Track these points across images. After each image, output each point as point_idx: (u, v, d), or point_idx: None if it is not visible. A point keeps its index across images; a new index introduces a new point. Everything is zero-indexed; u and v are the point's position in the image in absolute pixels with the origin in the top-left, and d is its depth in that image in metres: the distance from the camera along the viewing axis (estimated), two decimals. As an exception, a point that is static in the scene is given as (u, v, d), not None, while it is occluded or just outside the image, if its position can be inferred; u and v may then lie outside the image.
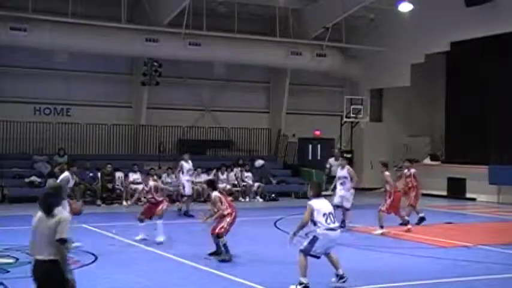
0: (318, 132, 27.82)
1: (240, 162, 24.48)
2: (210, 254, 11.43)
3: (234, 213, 11.48)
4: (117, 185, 21.75)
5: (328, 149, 27.63)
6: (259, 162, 24.63)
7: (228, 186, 22.99)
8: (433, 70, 27.30)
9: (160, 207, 13.27)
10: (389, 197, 14.53)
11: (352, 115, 26.45)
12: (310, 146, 27.72)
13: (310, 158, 27.49)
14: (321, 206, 9.29)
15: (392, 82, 26.61)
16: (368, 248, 12.92)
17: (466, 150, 25.68)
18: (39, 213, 6.07)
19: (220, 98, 26.81)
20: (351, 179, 15.25)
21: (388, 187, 14.67)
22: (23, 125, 22.84)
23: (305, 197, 25.00)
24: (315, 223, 9.12)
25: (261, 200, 23.41)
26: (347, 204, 15.17)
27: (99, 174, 21.43)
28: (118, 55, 23.77)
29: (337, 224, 9.37)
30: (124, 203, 20.80)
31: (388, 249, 12.53)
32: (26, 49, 22.31)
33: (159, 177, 22.16)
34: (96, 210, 18.90)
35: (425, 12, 23.22)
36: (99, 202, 20.88)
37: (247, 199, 23.04)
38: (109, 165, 21.65)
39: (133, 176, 21.75)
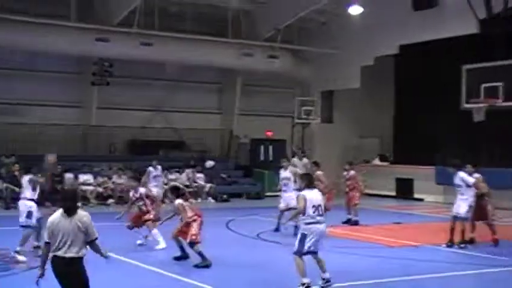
0: (269, 133, 27.99)
1: (192, 163, 24.42)
2: (176, 258, 11.32)
3: (198, 217, 11.29)
4: (67, 186, 21.38)
5: (280, 150, 27.85)
6: (209, 163, 24.62)
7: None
8: (382, 72, 27.80)
9: (147, 217, 12.79)
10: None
11: (303, 116, 26.70)
12: (262, 147, 27.89)
13: (262, 158, 27.66)
14: (311, 196, 9.25)
15: (343, 84, 26.98)
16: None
17: (413, 151, 26.23)
18: (59, 214, 6.46)
19: (172, 99, 26.65)
20: (295, 181, 14.94)
21: (321, 186, 14.69)
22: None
23: (257, 197, 25.39)
24: (303, 213, 9.14)
25: (212, 200, 23.42)
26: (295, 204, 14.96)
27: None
28: (68, 54, 23.30)
29: (324, 217, 9.35)
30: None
31: (338, 249, 12.70)
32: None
33: (110, 178, 22.01)
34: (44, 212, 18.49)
35: (375, 15, 23.62)
36: (47, 204, 20.46)
37: (199, 200, 23.00)
38: (58, 166, 21.29)
39: (84, 177, 21.48)
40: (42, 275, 6.51)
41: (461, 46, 21.99)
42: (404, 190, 25.55)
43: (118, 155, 24.51)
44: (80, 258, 6.43)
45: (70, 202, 6.55)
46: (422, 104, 26.05)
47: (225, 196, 23.79)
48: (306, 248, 9.10)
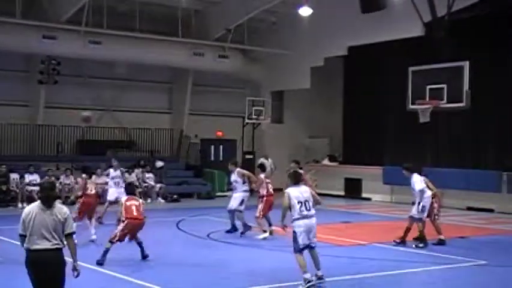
0: (220, 133, 28.00)
1: (142, 163, 24.21)
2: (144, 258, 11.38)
3: (128, 221, 11.24)
4: (12, 187, 20.94)
5: (230, 150, 27.92)
6: (159, 164, 24.44)
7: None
8: (332, 73, 28.16)
9: None
10: (262, 202, 14.53)
11: (253, 116, 26.81)
12: (213, 147, 27.89)
13: (212, 158, 27.66)
14: (296, 193, 9.57)
15: (293, 84, 27.23)
16: (263, 247, 13.18)
17: (362, 151, 26.69)
18: (35, 206, 6.48)
19: (121, 98, 26.37)
20: (244, 182, 14.95)
21: (261, 190, 14.68)
22: None
23: (207, 197, 25.38)
24: (290, 209, 9.49)
25: (162, 201, 23.28)
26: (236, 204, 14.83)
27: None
28: (13, 51, 22.73)
29: (313, 211, 9.58)
30: (19, 204, 20.11)
31: (286, 248, 12.81)
32: None
33: (57, 178, 21.60)
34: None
35: (325, 17, 23.91)
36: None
37: (149, 200, 22.82)
38: (3, 166, 20.82)
39: (30, 177, 21.05)
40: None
41: (408, 48, 22.50)
42: (353, 190, 25.95)
43: (66, 155, 24.09)
44: (61, 249, 6.46)
45: (49, 192, 6.60)
46: (370, 104, 26.51)
47: (175, 196, 23.68)
48: (301, 244, 9.39)
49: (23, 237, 6.46)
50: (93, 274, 10.25)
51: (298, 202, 9.47)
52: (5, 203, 20.45)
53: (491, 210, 21.15)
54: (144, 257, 11.43)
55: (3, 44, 21.68)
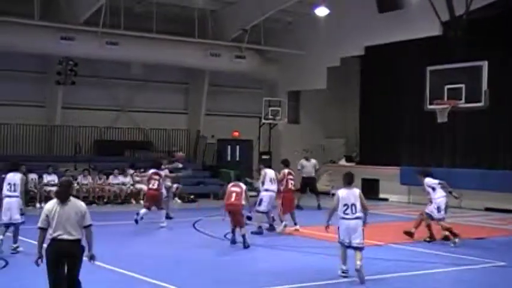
0: (236, 134, 28.02)
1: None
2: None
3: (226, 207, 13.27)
4: (31, 187, 21.08)
5: (246, 150, 27.93)
6: (179, 165, 24.39)
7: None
8: (349, 73, 28.07)
9: None
10: (280, 198, 15.34)
11: (270, 117, 26.79)
12: (229, 147, 27.91)
13: (229, 159, 27.68)
14: (344, 195, 10.16)
15: (309, 85, 27.17)
16: (281, 247, 13.16)
17: (379, 151, 26.54)
18: (54, 202, 7.31)
19: (138, 99, 26.49)
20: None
21: (281, 186, 15.33)
22: None
23: (224, 198, 25.28)
24: (336, 209, 10.16)
25: (179, 201, 23.31)
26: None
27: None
28: (32, 53, 22.89)
29: (358, 215, 10.12)
30: (37, 205, 20.26)
31: (303, 249, 12.81)
32: None
33: (75, 178, 21.71)
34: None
35: (341, 17, 23.85)
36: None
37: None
38: (23, 166, 20.94)
39: (48, 178, 21.18)
40: (41, 257, 7.22)
41: (426, 48, 22.35)
42: (370, 190, 25.76)
43: (83, 156, 24.24)
44: (79, 240, 7.23)
45: (64, 188, 7.44)
46: (387, 105, 26.37)
47: (192, 196, 23.71)
48: (340, 240, 10.15)
49: (42, 229, 7.27)
50: (109, 273, 10.30)
51: (344, 205, 10.05)
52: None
53: (509, 211, 20.93)
54: (246, 246, 12.70)
55: (22, 46, 21.88)
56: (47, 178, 21.14)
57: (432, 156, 24.63)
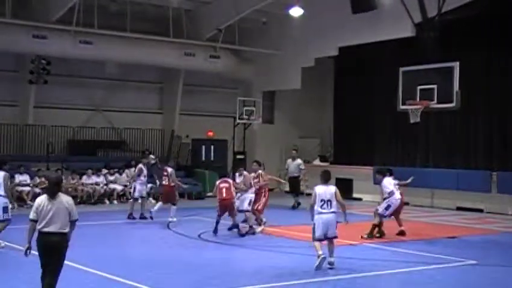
0: (211, 133, 27.99)
1: (133, 163, 24.08)
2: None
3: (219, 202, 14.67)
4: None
5: (221, 150, 27.90)
6: (151, 157, 24.24)
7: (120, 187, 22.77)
8: (323, 73, 28.21)
9: None
10: (264, 196, 15.60)
11: (245, 116, 26.79)
12: (204, 147, 27.86)
13: (203, 159, 27.62)
14: (321, 192, 10.89)
15: (284, 85, 27.26)
16: (257, 247, 13.19)
17: (353, 151, 26.75)
18: (44, 197, 7.79)
19: (112, 98, 26.31)
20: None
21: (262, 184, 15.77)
22: None
23: (198, 198, 25.31)
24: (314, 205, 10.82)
25: (154, 201, 23.17)
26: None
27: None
28: (3, 51, 22.56)
29: (333, 210, 10.84)
30: (9, 205, 19.98)
31: (276, 249, 12.84)
32: None
33: (47, 178, 21.47)
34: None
35: (315, 17, 23.97)
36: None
37: (139, 200, 22.68)
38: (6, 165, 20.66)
39: (20, 178, 20.93)
40: (29, 248, 7.80)
41: (398, 48, 22.58)
42: (344, 190, 25.83)
43: (56, 155, 23.98)
44: (66, 233, 7.75)
45: (53, 185, 7.92)
46: (361, 105, 26.60)
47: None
48: (316, 236, 10.78)
49: (33, 221, 7.75)
50: (84, 275, 10.23)
51: (321, 200, 10.78)
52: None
53: (480, 210, 21.25)
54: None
55: (-7, 44, 21.55)
56: (18, 178, 20.88)
57: (405, 156, 24.93)
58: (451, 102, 16.78)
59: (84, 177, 22.25)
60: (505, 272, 11.39)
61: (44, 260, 7.74)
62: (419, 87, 17.45)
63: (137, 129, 26.25)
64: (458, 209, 21.79)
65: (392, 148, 25.81)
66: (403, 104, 17.87)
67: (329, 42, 24.43)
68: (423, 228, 15.72)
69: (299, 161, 22.79)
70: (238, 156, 27.38)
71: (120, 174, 23.37)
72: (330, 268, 10.78)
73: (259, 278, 10.22)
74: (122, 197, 22.60)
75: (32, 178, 21.43)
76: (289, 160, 22.79)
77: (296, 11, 23.47)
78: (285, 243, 13.61)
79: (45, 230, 7.67)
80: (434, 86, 17.09)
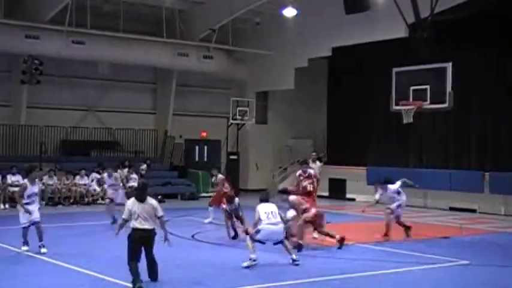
0: (204, 134, 27.97)
1: (126, 163, 24.02)
2: None
3: None
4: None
5: (214, 150, 27.90)
6: (143, 167, 24.21)
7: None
8: (316, 74, 28.24)
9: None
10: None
11: (238, 117, 26.79)
12: (197, 148, 27.84)
13: (197, 159, 27.61)
14: (264, 208, 11.45)
15: (277, 85, 27.30)
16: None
17: (346, 151, 26.77)
18: (133, 200, 9.45)
19: (105, 98, 26.26)
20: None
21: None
22: None
23: (192, 198, 25.26)
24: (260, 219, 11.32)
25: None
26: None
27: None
28: (-4, 51, 22.57)
29: (278, 219, 11.32)
30: (1, 206, 19.97)
31: (271, 249, 12.82)
32: None
33: (40, 179, 21.40)
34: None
35: (309, 18, 23.99)
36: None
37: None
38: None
39: (12, 178, 20.83)
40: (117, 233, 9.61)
41: (392, 49, 22.61)
42: (337, 190, 26.00)
43: (49, 156, 23.90)
44: (154, 229, 9.37)
45: (140, 191, 9.57)
46: (354, 105, 26.64)
47: (159, 197, 23.54)
48: (257, 237, 11.20)
49: (126, 221, 9.42)
50: (76, 275, 10.20)
51: (265, 213, 11.29)
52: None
53: (473, 211, 21.31)
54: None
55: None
56: (11, 179, 20.78)
57: (398, 157, 24.97)
58: (444, 102, 16.85)
59: (77, 177, 22.18)
60: (497, 272, 11.42)
61: (137, 250, 9.20)
62: (412, 88, 17.52)
63: (130, 130, 26.19)
64: (451, 209, 21.85)
65: (385, 148, 25.86)
66: (396, 104, 17.94)
67: (322, 43, 24.48)
68: (416, 228, 15.70)
69: (319, 163, 21.93)
70: (232, 157, 27.40)
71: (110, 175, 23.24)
72: (296, 265, 11.07)
73: (253, 277, 10.22)
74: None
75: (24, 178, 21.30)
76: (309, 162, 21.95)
77: (289, 12, 23.49)
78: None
79: (140, 227, 9.22)
80: (427, 87, 17.16)
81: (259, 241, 11.24)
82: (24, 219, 11.73)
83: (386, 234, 14.37)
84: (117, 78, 26.33)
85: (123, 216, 9.46)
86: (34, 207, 11.79)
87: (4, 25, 21.60)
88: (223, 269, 11.00)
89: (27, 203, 11.69)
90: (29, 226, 11.78)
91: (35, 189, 11.92)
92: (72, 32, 22.40)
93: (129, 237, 9.33)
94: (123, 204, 15.02)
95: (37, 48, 22.21)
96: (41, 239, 11.84)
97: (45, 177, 21.43)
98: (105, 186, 17.74)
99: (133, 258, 9.23)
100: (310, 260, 11.96)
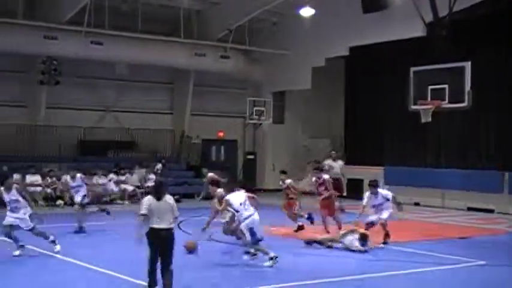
0: (221, 134, 28.01)
1: (144, 163, 24.18)
2: None
3: None
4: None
5: (231, 150, 27.94)
6: (158, 167, 24.35)
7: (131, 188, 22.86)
8: (333, 73, 28.13)
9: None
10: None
11: (255, 117, 26.78)
12: (214, 148, 27.89)
13: (213, 159, 27.66)
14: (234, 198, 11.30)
15: (294, 85, 27.22)
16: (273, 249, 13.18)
17: (363, 151, 26.64)
18: (150, 198, 8.79)
19: (122, 99, 26.39)
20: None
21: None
22: None
23: (209, 198, 25.17)
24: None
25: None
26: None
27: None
28: (15, 52, 22.62)
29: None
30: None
31: (290, 250, 12.82)
32: None
33: (58, 179, 21.55)
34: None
35: (326, 17, 23.92)
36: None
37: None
38: (4, 167, 20.80)
39: (31, 178, 21.02)
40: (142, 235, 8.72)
41: (409, 48, 22.46)
42: (355, 190, 25.83)
43: (67, 156, 24.08)
44: (172, 229, 8.78)
45: (157, 189, 8.94)
46: (372, 105, 26.50)
47: (176, 196, 23.56)
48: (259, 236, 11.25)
49: (144, 215, 8.72)
50: (93, 274, 10.28)
51: (240, 203, 11.22)
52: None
53: (491, 211, 21.13)
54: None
55: (5, 45, 21.60)
56: (30, 178, 20.96)
57: (415, 156, 24.81)
58: (463, 101, 16.71)
59: (95, 177, 22.30)
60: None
61: (156, 252, 8.66)
62: (430, 87, 17.39)
63: (147, 130, 26.29)
64: (469, 209, 21.68)
65: (403, 148, 25.69)
66: (414, 104, 17.82)
67: (340, 42, 24.37)
68: (434, 228, 15.64)
69: (340, 162, 21.69)
70: (249, 157, 27.43)
71: (131, 175, 23.44)
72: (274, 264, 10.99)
73: (273, 278, 10.25)
74: (133, 197, 22.65)
75: (43, 178, 21.52)
76: (329, 161, 21.26)
77: (307, 11, 23.44)
78: (297, 244, 13.59)
79: (157, 226, 8.65)
80: (446, 86, 17.03)
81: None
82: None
83: (387, 235, 13.84)
84: (134, 79, 26.44)
85: (142, 212, 8.77)
86: (14, 214, 11.69)
87: (23, 26, 21.78)
88: (245, 269, 11.00)
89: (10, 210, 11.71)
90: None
91: (12, 196, 11.75)
92: (90, 32, 22.52)
93: (147, 237, 8.91)
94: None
95: (55, 49, 22.36)
96: (45, 238, 11.91)
97: (64, 177, 21.56)
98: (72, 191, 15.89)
99: (151, 259, 8.82)
100: (329, 259, 11.95)
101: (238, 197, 11.31)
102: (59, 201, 21.19)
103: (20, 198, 11.77)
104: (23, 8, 21.92)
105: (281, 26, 26.58)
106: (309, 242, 13.33)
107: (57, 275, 10.41)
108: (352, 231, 13.03)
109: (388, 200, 13.86)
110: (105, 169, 22.79)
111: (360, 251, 12.45)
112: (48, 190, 21.42)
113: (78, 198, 15.32)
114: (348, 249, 12.65)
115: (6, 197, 11.75)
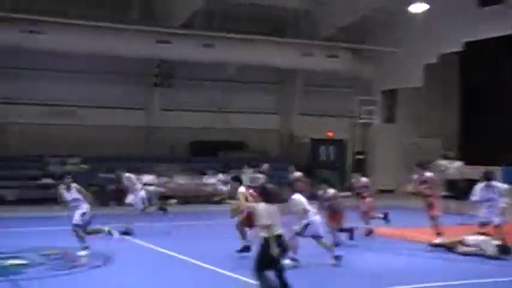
0: (330, 133, 27.77)
1: (253, 163, 24.39)
2: None
3: None
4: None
5: (340, 150, 27.63)
6: (265, 166, 24.45)
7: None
8: (446, 70, 27.14)
9: None
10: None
11: (364, 116, 26.32)
12: (323, 147, 27.70)
13: (323, 159, 27.46)
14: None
15: (404, 83, 26.50)
16: (375, 250, 12.89)
17: (479, 151, 25.50)
18: (264, 204, 8.33)
19: (231, 99, 26.79)
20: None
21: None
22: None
23: (314, 198, 24.94)
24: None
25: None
26: None
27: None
28: (130, 57, 23.57)
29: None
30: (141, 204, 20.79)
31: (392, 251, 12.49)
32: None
33: (171, 178, 22.18)
34: (109, 211, 18.81)
35: (438, 12, 23.09)
36: (111, 203, 20.92)
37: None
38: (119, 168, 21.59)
39: (146, 178, 21.69)
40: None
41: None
42: (469, 192, 24.79)
43: (179, 156, 24.75)
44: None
45: (268, 192, 8.54)
46: (489, 102, 25.35)
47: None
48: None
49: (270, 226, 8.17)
50: (198, 270, 10.47)
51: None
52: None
53: None
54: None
55: (121, 50, 22.58)
56: (145, 178, 21.64)
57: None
58: None
59: (206, 177, 22.79)
60: None
61: (276, 260, 8.12)
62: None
63: (255, 130, 26.52)
64: None
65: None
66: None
67: (453, 38, 23.43)
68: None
69: (458, 162, 20.71)
70: (358, 156, 27.04)
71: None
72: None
73: (374, 280, 10.08)
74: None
75: (158, 178, 22.18)
76: (444, 162, 20.60)
77: (418, 7, 22.77)
78: (408, 246, 13.22)
79: (279, 233, 8.21)
80: None
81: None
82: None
83: (439, 233, 13.15)
84: (243, 80, 26.77)
85: (267, 223, 8.19)
86: (74, 213, 11.87)
87: (137, 31, 22.63)
88: (347, 270, 10.83)
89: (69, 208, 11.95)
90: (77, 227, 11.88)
91: (73, 195, 11.95)
92: (201, 35, 23.02)
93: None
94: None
95: (168, 53, 23.06)
96: (82, 241, 11.86)
97: (176, 177, 22.17)
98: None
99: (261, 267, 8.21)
100: (436, 262, 11.54)
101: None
102: (172, 200, 21.71)
103: (80, 197, 12.03)
104: (137, 14, 22.73)
105: (391, 23, 25.95)
106: (435, 245, 12.87)
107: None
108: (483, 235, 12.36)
109: (503, 195, 12.97)
110: (215, 169, 23.19)
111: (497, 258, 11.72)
112: (162, 189, 22.02)
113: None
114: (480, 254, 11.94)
115: (68, 196, 12.03)
